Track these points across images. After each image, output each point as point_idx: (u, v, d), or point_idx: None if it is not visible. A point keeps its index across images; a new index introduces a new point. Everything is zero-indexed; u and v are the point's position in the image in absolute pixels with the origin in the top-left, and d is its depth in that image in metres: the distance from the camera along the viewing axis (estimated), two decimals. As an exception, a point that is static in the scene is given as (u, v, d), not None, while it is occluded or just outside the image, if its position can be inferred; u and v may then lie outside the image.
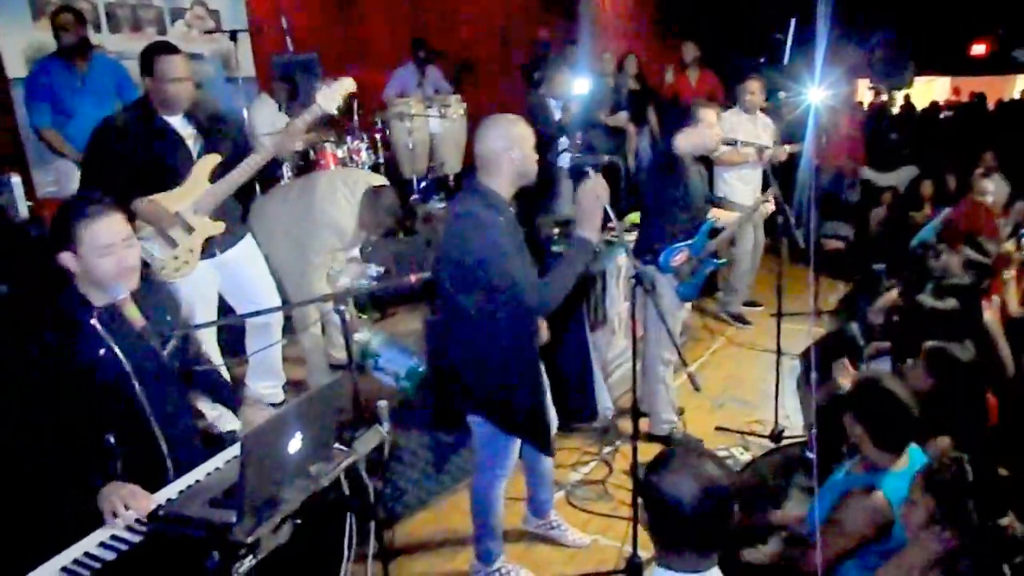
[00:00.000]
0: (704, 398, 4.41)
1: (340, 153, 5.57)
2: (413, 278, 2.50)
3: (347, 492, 2.14)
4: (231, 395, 2.61)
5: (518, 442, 2.90)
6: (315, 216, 3.83)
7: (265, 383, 3.89)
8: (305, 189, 4.03)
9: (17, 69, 5.10)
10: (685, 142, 3.74)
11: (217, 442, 3.60)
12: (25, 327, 2.15)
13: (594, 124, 6.33)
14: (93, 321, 2.12)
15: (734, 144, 4.35)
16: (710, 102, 4.48)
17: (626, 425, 4.13)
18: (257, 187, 5.18)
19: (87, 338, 2.11)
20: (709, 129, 3.77)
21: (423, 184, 6.51)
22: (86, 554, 1.86)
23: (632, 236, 4.36)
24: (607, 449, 4.05)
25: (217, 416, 3.63)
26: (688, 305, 4.16)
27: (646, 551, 3.00)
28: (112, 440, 2.10)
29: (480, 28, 8.86)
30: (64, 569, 1.81)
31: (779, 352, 4.01)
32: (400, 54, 7.31)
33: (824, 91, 4.34)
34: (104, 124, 3.26)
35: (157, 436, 2.21)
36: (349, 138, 5.77)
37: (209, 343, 3.42)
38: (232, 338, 3.89)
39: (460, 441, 3.77)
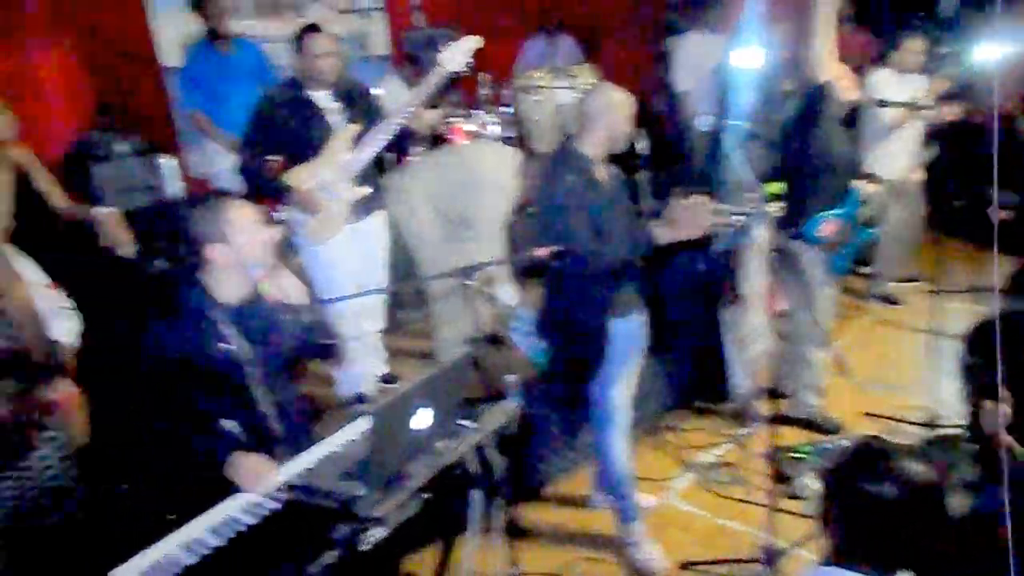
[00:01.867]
0: (849, 380, 4.13)
1: (469, 127, 5.58)
2: (539, 251, 2.44)
3: (474, 468, 2.13)
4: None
5: (627, 392, 2.97)
6: (478, 181, 3.94)
7: (367, 361, 3.97)
8: (453, 159, 4.13)
9: (172, 58, 5.41)
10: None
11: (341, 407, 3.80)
12: (166, 310, 2.25)
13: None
14: (216, 314, 2.19)
15: (884, 105, 3.98)
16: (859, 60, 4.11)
17: (762, 406, 3.92)
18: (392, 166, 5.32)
19: (210, 329, 2.18)
20: (840, 81, 3.50)
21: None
22: (229, 517, 1.94)
23: (773, 207, 4.12)
24: (741, 431, 3.87)
25: (341, 382, 3.79)
26: (835, 282, 3.88)
27: (783, 539, 2.86)
28: (229, 426, 2.18)
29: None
30: (209, 529, 1.90)
31: (935, 332, 3.67)
32: (531, 26, 7.22)
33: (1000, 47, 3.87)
34: (260, 100, 3.55)
35: (271, 421, 2.27)
36: (478, 112, 5.77)
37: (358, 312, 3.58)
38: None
39: (586, 418, 3.70)
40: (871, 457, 1.60)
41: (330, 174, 3.47)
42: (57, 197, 3.13)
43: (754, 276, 4.25)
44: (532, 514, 3.35)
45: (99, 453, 2.55)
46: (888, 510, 1.52)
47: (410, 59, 6.05)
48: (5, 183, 2.83)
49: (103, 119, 4.29)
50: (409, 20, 6.70)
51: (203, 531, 1.91)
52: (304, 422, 2.48)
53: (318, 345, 2.50)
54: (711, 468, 3.62)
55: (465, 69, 3.50)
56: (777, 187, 4.21)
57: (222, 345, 2.17)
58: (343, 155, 3.48)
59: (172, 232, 3.89)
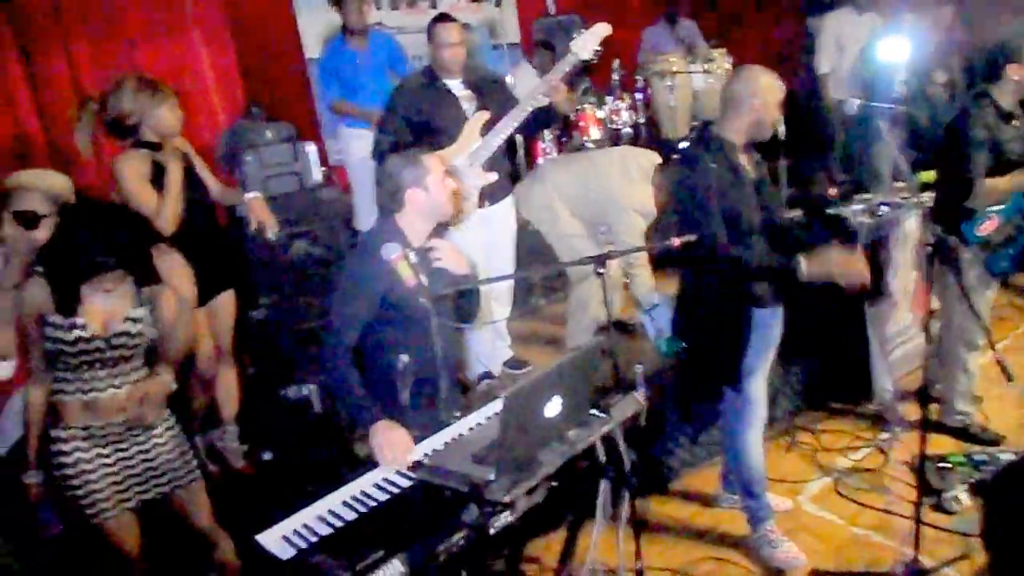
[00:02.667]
0: (1009, 388, 3.75)
1: (600, 114, 5.52)
2: (676, 241, 2.37)
3: (603, 458, 2.10)
4: None
5: (763, 385, 2.88)
6: (621, 204, 3.94)
7: (495, 343, 4.05)
8: (592, 167, 4.10)
9: (314, 50, 5.65)
10: (995, 89, 3.19)
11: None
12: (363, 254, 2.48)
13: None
14: (411, 254, 2.41)
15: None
16: None
17: (909, 410, 3.66)
18: (521, 152, 5.34)
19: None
20: (1017, 74, 3.17)
21: (684, 144, 6.25)
22: (362, 492, 2.01)
23: (925, 197, 3.84)
24: (883, 435, 3.63)
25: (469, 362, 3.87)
26: (996, 280, 3.55)
27: (928, 556, 2.66)
28: (405, 361, 2.28)
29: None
30: (344, 503, 1.98)
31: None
32: (661, 11, 7.04)
33: None
34: (395, 88, 3.72)
35: (440, 371, 2.41)
36: (609, 99, 5.69)
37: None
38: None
39: (716, 413, 3.59)
40: None
41: (461, 160, 3.54)
42: (212, 184, 3.33)
43: (903, 271, 3.99)
44: (657, 509, 3.28)
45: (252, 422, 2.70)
46: None
47: (543, 46, 6.05)
48: (177, 171, 3.05)
49: (252, 109, 4.54)
50: (539, 8, 6.69)
51: (339, 504, 1.98)
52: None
53: (466, 308, 2.65)
54: (848, 473, 3.42)
55: (595, 57, 3.54)
56: (930, 175, 3.92)
57: (412, 283, 2.37)
58: (473, 142, 3.56)
59: (314, 215, 4.11)
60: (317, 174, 4.20)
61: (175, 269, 2.55)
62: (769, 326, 2.82)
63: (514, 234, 3.92)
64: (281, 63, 5.43)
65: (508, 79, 5.60)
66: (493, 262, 3.78)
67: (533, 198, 4.05)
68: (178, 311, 2.47)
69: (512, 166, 4.21)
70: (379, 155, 3.68)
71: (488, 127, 3.58)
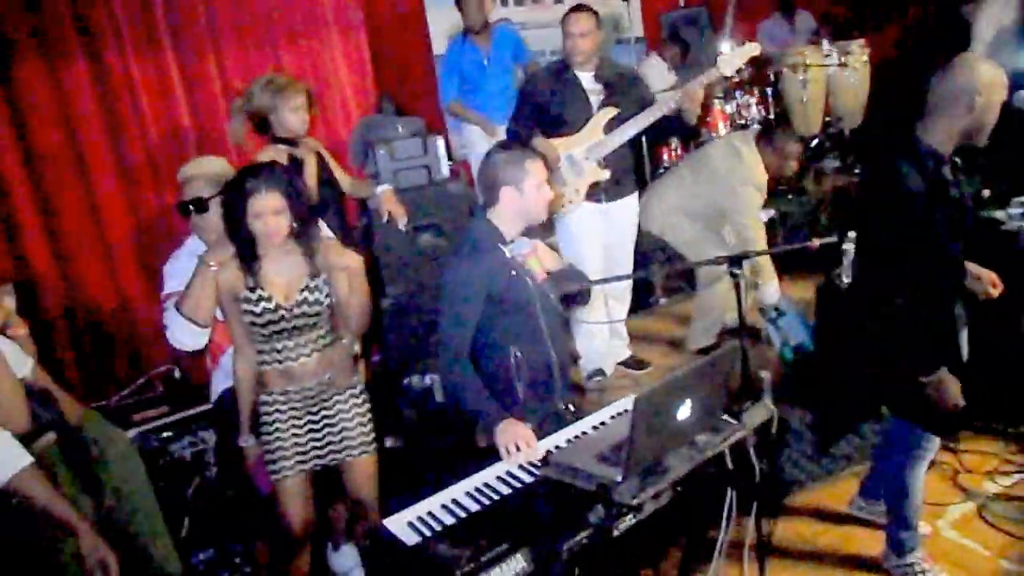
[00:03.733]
0: None
1: (729, 109, 5.36)
2: (816, 242, 2.26)
3: (730, 466, 2.03)
4: None
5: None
6: (729, 183, 3.91)
7: (612, 341, 4.01)
8: (699, 166, 4.10)
9: (441, 46, 5.76)
10: None
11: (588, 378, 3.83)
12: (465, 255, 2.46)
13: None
14: (507, 250, 2.41)
15: None
16: None
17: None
18: (646, 156, 5.26)
19: (503, 263, 2.41)
20: None
21: (816, 141, 5.97)
22: (486, 484, 2.03)
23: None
24: (1038, 460, 3.34)
25: (587, 357, 3.84)
26: None
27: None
28: (519, 355, 2.36)
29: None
30: (468, 493, 2.00)
31: None
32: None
33: None
34: (528, 75, 3.83)
35: (552, 359, 2.43)
36: (738, 93, 5.52)
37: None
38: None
39: (848, 425, 3.42)
40: None
41: (580, 152, 3.58)
42: (343, 178, 3.45)
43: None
44: (781, 523, 3.15)
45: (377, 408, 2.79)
46: None
47: (674, 40, 5.94)
48: (312, 165, 3.20)
49: (384, 104, 4.68)
50: (665, 1, 6.57)
51: (462, 494, 2.01)
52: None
53: (573, 294, 2.63)
54: (995, 499, 3.16)
55: (737, 76, 3.46)
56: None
57: (514, 273, 2.38)
58: (596, 136, 3.57)
59: (441, 208, 4.19)
60: (445, 168, 4.28)
61: (334, 246, 2.65)
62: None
63: (634, 233, 3.89)
64: (410, 59, 5.58)
65: (653, 66, 5.56)
66: (612, 258, 3.77)
67: (652, 211, 4.05)
68: (351, 278, 2.61)
69: (638, 165, 4.14)
70: (511, 138, 3.75)
71: (614, 124, 3.57)
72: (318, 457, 2.58)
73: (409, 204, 3.60)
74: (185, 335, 2.61)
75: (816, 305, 3.79)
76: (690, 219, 4.01)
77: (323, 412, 2.57)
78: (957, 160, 2.45)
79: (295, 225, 2.42)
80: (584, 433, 2.18)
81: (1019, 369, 3.54)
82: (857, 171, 5.74)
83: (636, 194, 3.87)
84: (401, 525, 1.91)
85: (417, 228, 4.03)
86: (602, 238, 3.76)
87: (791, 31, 6.44)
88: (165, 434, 3.18)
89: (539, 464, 2.04)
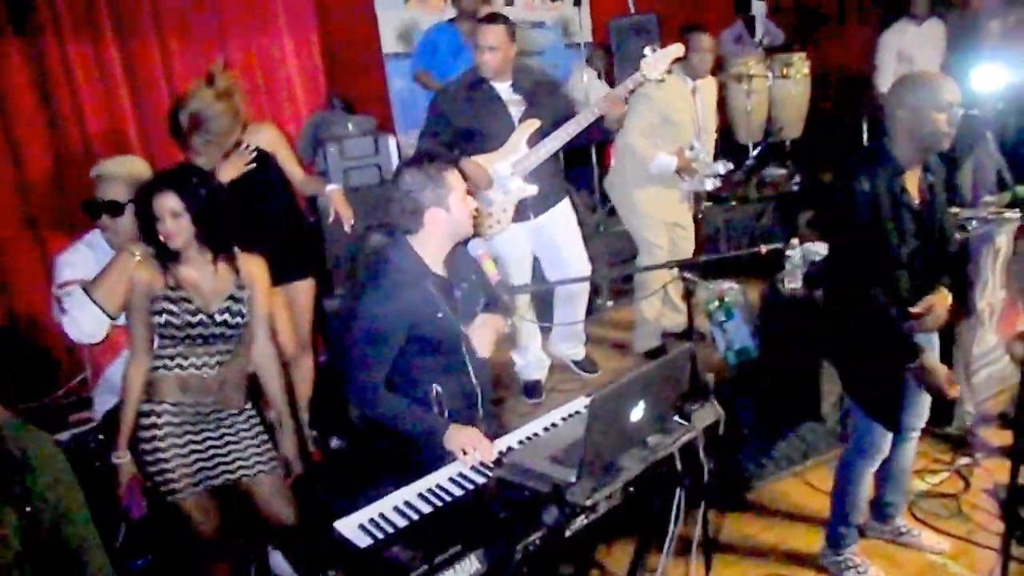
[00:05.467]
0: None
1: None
2: (763, 248, 2.33)
3: (681, 467, 2.07)
4: None
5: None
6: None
7: (567, 344, 4.02)
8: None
9: (390, 45, 5.74)
10: None
11: (524, 390, 3.85)
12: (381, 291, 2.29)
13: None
14: (430, 285, 2.24)
15: None
16: None
17: (991, 435, 3.52)
18: (594, 162, 5.31)
19: (427, 300, 2.23)
20: None
21: (759, 150, 6.14)
22: (438, 486, 2.03)
23: (1017, 212, 3.70)
24: (964, 460, 3.48)
25: (524, 366, 3.86)
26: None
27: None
28: (439, 390, 2.28)
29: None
30: (420, 495, 2.00)
31: None
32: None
33: None
34: (439, 89, 3.59)
35: (476, 391, 2.36)
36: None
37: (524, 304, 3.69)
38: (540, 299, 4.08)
39: (789, 426, 3.52)
40: None
41: (504, 168, 3.46)
42: (296, 172, 3.40)
43: (992, 290, 3.83)
44: (729, 522, 3.22)
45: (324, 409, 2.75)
46: None
47: (602, 47, 6.02)
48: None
49: (334, 101, 4.62)
50: (616, 7, 6.64)
51: (415, 496, 2.00)
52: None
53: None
54: (925, 497, 3.29)
55: (663, 78, 3.39)
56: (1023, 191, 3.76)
57: (440, 314, 2.23)
58: (520, 151, 3.45)
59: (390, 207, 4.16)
60: (395, 167, 4.25)
61: (259, 267, 2.58)
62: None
63: (577, 234, 3.80)
64: (361, 57, 5.53)
65: (584, 79, 5.60)
66: (562, 262, 3.71)
67: (614, 184, 4.13)
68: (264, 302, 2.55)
69: (563, 173, 4.08)
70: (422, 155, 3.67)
71: (537, 137, 3.45)
72: (208, 477, 2.49)
73: (360, 203, 3.55)
74: (89, 320, 2.48)
75: (760, 310, 3.89)
76: (660, 225, 4.02)
77: (221, 430, 2.49)
78: (929, 170, 2.52)
79: (198, 230, 2.34)
80: (536, 434, 2.20)
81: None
82: (798, 179, 5.92)
83: (567, 199, 3.77)
84: (352, 528, 1.90)
85: (367, 228, 3.99)
86: (536, 253, 3.73)
87: (751, 39, 6.61)
88: (101, 436, 3.07)
89: (492, 465, 2.05)
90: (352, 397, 2.34)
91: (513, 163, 3.46)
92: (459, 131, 3.47)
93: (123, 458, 2.41)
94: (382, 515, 1.94)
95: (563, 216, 3.73)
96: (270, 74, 4.74)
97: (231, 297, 2.42)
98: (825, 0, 7.64)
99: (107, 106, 4.17)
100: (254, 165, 3.17)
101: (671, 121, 3.89)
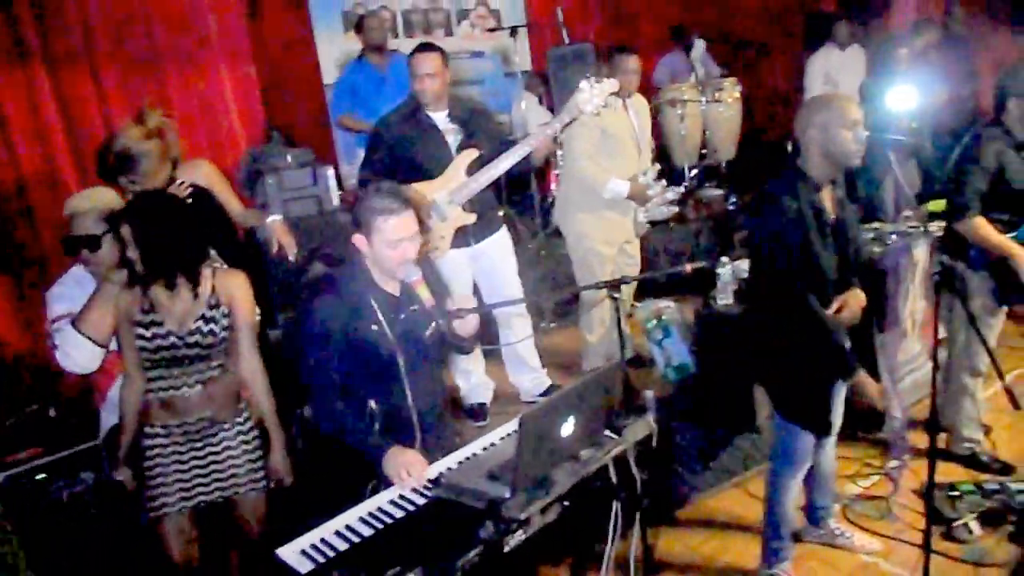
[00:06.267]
0: (1018, 417, 3.78)
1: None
2: (689, 266, 2.42)
3: (614, 479, 2.14)
4: None
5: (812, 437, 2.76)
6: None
7: (526, 375, 4.04)
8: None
9: (330, 75, 5.79)
10: (1009, 118, 3.22)
11: (469, 413, 3.88)
12: (327, 295, 2.38)
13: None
14: (372, 297, 2.33)
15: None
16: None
17: (917, 438, 3.68)
18: (534, 188, 5.42)
19: (366, 308, 2.33)
20: (1018, 108, 3.22)
21: (694, 172, 6.33)
22: (379, 508, 2.06)
23: (934, 226, 3.89)
24: (892, 463, 3.63)
25: (468, 390, 3.91)
26: (1004, 309, 3.59)
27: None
28: (373, 406, 2.34)
29: (754, 5, 8.37)
30: (361, 519, 2.03)
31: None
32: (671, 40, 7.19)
33: None
34: (379, 119, 3.64)
35: (412, 415, 2.40)
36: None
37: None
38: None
39: (727, 438, 3.62)
40: None
41: (443, 197, 3.51)
42: (235, 205, 3.42)
43: (913, 299, 4.02)
44: (667, 533, 3.29)
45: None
46: None
47: (540, 76, 6.17)
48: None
49: (273, 133, 4.65)
50: (553, 37, 6.81)
51: (356, 520, 2.03)
52: (446, 417, 2.60)
53: (454, 344, 2.58)
54: (857, 500, 3.42)
55: (598, 111, 3.45)
56: (938, 205, 3.96)
57: (375, 327, 2.31)
58: (458, 179, 3.51)
59: (331, 238, 4.19)
60: (335, 198, 4.28)
61: (237, 282, 2.60)
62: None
63: (513, 264, 3.89)
64: (300, 88, 5.56)
65: (523, 106, 5.73)
66: (497, 293, 3.76)
67: (561, 212, 4.16)
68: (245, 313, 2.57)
69: (500, 202, 4.18)
70: (363, 185, 3.72)
71: (476, 166, 3.51)
72: (203, 494, 2.52)
73: (299, 234, 3.57)
74: (82, 354, 2.53)
75: (696, 326, 4.01)
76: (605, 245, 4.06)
77: (209, 448, 2.52)
78: (838, 185, 2.64)
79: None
80: (474, 454, 2.24)
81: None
82: (732, 200, 6.12)
83: (504, 228, 3.86)
84: (294, 554, 1.91)
85: (308, 258, 4.01)
86: (475, 278, 3.79)
87: (688, 65, 6.83)
88: (40, 476, 3.01)
89: (431, 486, 2.08)
90: (311, 411, 2.45)
91: (451, 191, 3.50)
92: (398, 160, 3.52)
93: (124, 475, 2.53)
94: (323, 540, 1.96)
95: (501, 244, 3.81)
96: (208, 106, 4.75)
97: (203, 317, 2.44)
98: (753, 27, 7.96)
99: (40, 140, 4.12)
100: (189, 201, 3.17)
101: (609, 134, 3.93)
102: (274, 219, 3.40)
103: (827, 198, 2.59)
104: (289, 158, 4.28)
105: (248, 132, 4.92)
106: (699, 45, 6.81)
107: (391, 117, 3.62)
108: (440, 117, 3.55)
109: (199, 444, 2.51)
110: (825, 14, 7.77)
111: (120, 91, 4.37)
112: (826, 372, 2.62)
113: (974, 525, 3.09)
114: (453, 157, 3.53)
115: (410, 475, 2.12)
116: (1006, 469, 3.50)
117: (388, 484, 2.18)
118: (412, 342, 2.39)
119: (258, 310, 2.77)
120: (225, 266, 2.90)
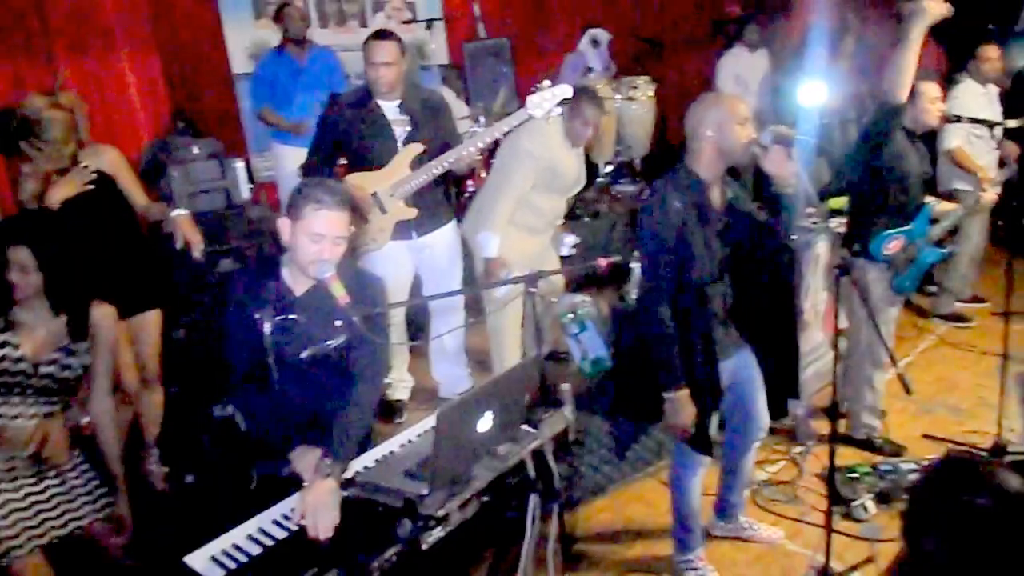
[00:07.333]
0: (910, 402, 4.02)
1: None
2: (603, 262, 2.46)
3: (532, 473, 2.15)
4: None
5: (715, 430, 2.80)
6: (511, 145, 3.70)
7: (449, 371, 4.02)
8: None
9: (240, 65, 5.60)
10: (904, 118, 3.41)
11: (389, 409, 3.83)
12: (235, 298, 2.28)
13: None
14: (258, 315, 2.16)
15: (957, 121, 3.92)
16: (932, 74, 4.02)
17: (820, 425, 3.86)
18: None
19: (276, 310, 2.18)
20: (930, 105, 3.40)
21: (609, 168, 6.44)
22: (292, 510, 2.00)
23: (835, 222, 4.08)
24: (797, 449, 3.80)
25: (388, 385, 3.86)
26: (901, 299, 3.79)
27: (838, 561, 2.81)
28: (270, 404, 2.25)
29: (669, 5, 8.57)
30: (275, 522, 1.98)
31: (1005, 356, 3.56)
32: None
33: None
34: (328, 105, 3.55)
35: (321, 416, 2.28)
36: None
37: (397, 322, 3.67)
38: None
39: (642, 429, 3.70)
40: (967, 468, 1.57)
41: (384, 189, 3.45)
42: (139, 197, 3.27)
43: (815, 293, 4.20)
44: (585, 524, 3.35)
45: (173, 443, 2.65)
46: (986, 520, 1.49)
47: (458, 70, 6.15)
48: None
49: (180, 124, 4.47)
50: (467, 31, 6.81)
51: (269, 523, 1.97)
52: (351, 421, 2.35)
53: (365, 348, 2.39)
54: (765, 486, 3.56)
55: (548, 117, 3.36)
56: (839, 202, 4.15)
57: (342, 301, 2.12)
58: (402, 172, 3.45)
59: (240, 232, 4.06)
60: (246, 191, 4.15)
61: (103, 324, 2.45)
62: (731, 373, 2.78)
63: (457, 261, 3.83)
64: (208, 78, 5.36)
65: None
66: (438, 289, 3.68)
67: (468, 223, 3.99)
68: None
69: (447, 196, 4.03)
70: (308, 172, 3.64)
71: (421, 160, 3.44)
72: (54, 527, 2.36)
73: (206, 229, 3.44)
74: None
75: (610, 320, 4.08)
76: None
77: (47, 482, 2.36)
78: (728, 183, 2.69)
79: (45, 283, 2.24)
80: (392, 452, 2.21)
81: (775, 373, 4.00)
82: (647, 194, 6.25)
83: (453, 222, 3.79)
84: (204, 561, 1.85)
85: (215, 254, 3.86)
86: (419, 271, 3.73)
87: (590, 64, 6.90)
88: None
89: (346, 485, 2.04)
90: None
91: (393, 184, 3.43)
92: (343, 147, 3.47)
93: None
94: (235, 545, 1.90)
95: (447, 239, 3.73)
96: (107, 93, 4.51)
97: (65, 349, 2.30)
98: (665, 29, 8.14)
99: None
100: (93, 186, 3.03)
101: (558, 173, 3.74)
102: (179, 213, 3.25)
103: (716, 196, 2.63)
104: (196, 149, 4.12)
105: (152, 121, 4.71)
106: (594, 35, 6.86)
107: (341, 102, 3.54)
108: (391, 107, 3.46)
109: (31, 480, 2.33)
110: (730, 18, 8.04)
111: (5, 77, 4.09)
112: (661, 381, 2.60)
113: (870, 504, 3.27)
114: (399, 149, 3.46)
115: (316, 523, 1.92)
116: (898, 451, 3.71)
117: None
118: (291, 346, 2.23)
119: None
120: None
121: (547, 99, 3.28)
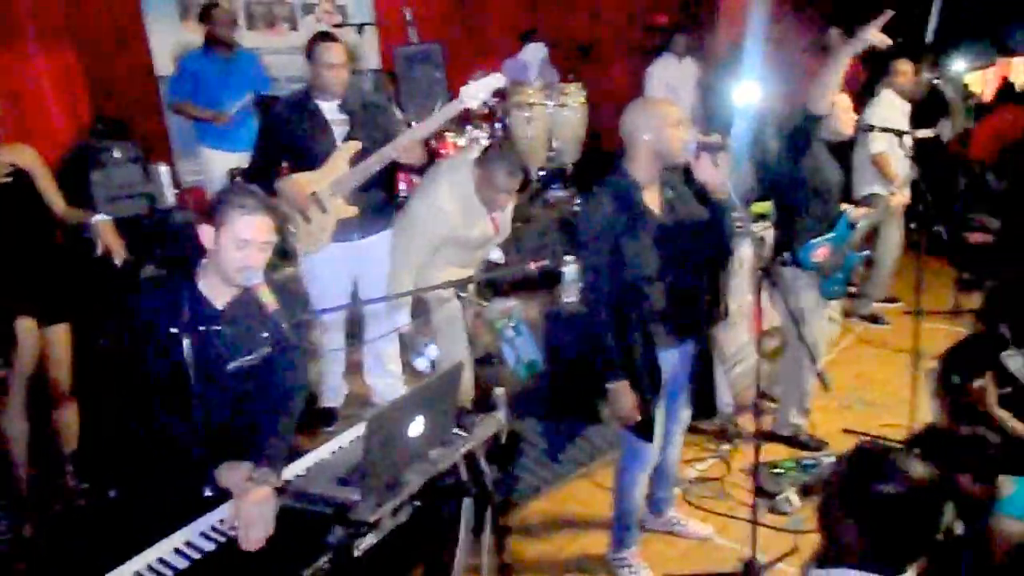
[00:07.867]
0: (830, 398, 4.19)
1: (461, 142, 5.64)
2: (533, 265, 2.49)
3: (465, 477, 2.16)
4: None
5: (661, 428, 2.83)
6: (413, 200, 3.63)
7: (380, 378, 3.97)
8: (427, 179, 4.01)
9: (164, 67, 5.44)
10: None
11: (323, 416, 3.79)
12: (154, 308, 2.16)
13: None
14: (174, 330, 2.09)
15: (869, 130, 4.10)
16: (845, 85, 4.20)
17: (746, 423, 3.98)
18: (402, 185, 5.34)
19: (197, 323, 2.12)
20: (844, 115, 3.55)
21: (542, 173, 6.49)
22: (221, 521, 1.97)
23: (759, 226, 4.21)
24: (725, 447, 3.92)
25: (321, 393, 3.82)
26: (830, 304, 3.91)
27: (764, 554, 2.91)
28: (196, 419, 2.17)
29: (600, 13, 8.71)
30: (202, 534, 1.93)
31: (916, 353, 3.74)
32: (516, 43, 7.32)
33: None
34: (270, 106, 3.59)
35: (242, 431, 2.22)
36: (468, 127, 5.83)
37: (335, 327, 3.64)
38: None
39: (575, 430, 3.75)
40: (876, 458, 1.65)
41: (324, 188, 3.45)
42: (57, 200, 3.15)
43: (740, 294, 4.33)
44: (520, 526, 3.36)
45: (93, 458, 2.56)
46: (897, 507, 1.56)
47: (390, 75, 6.13)
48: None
49: (100, 126, 4.31)
50: (399, 35, 6.77)
51: (196, 535, 1.93)
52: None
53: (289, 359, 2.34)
54: (695, 483, 3.66)
55: (483, 107, 3.41)
56: (763, 207, 4.29)
57: (270, 308, 2.08)
58: (340, 170, 3.45)
59: (165, 239, 3.94)
60: (170, 196, 4.03)
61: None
62: (672, 365, 2.81)
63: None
64: (130, 79, 5.19)
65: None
66: (378, 292, 3.57)
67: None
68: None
69: (393, 199, 3.96)
70: (250, 173, 3.60)
71: (360, 158, 3.43)
72: None
73: (128, 235, 3.32)
74: None
75: (544, 323, 4.13)
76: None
77: None
78: (667, 185, 2.71)
79: None
80: (322, 459, 2.19)
81: (708, 373, 4.11)
82: (578, 201, 6.33)
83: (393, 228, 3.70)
84: (127, 576, 1.79)
85: (138, 262, 3.73)
86: (357, 275, 3.69)
87: (528, 70, 6.97)
88: None
89: (276, 494, 2.01)
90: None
91: (332, 183, 3.43)
92: (283, 147, 3.47)
93: None
94: (160, 559, 1.84)
95: (389, 243, 3.65)
96: (21, 94, 4.32)
97: None
98: (596, 36, 8.27)
99: None
100: (9, 179, 2.91)
101: (471, 238, 3.58)
102: (100, 219, 3.13)
103: (653, 198, 2.66)
104: (118, 153, 3.98)
105: (69, 123, 4.53)
106: (535, 49, 6.95)
107: (281, 104, 3.57)
108: (330, 107, 3.47)
109: None
110: (660, 27, 8.22)
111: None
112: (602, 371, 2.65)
113: (794, 498, 3.39)
114: (338, 148, 3.46)
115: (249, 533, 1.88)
116: (821, 445, 3.86)
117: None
118: (215, 360, 2.17)
119: None
120: None
121: (481, 88, 3.30)
